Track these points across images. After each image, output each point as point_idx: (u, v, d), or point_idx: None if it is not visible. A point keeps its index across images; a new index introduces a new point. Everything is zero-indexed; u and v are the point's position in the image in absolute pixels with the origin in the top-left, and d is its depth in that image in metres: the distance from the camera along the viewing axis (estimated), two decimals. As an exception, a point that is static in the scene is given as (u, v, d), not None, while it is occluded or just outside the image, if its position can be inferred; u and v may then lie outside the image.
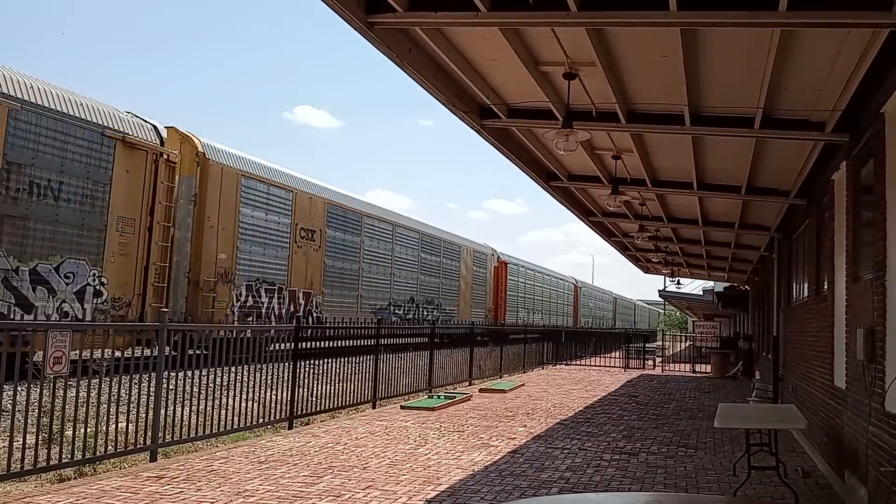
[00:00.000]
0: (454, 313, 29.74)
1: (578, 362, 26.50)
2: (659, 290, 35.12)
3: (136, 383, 7.07)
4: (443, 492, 6.09)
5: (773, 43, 5.04)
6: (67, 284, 11.95)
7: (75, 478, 6.21)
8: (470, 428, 9.72)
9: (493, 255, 34.90)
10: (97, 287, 12.54)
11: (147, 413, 7.08)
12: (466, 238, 32.45)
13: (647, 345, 29.50)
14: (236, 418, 8.21)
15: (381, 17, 5.37)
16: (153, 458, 7.02)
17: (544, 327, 29.84)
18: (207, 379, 7.85)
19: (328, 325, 14.47)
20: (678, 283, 32.55)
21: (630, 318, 75.12)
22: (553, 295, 44.76)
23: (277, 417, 9.01)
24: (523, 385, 16.71)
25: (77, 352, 6.52)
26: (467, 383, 16.18)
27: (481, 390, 14.97)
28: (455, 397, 12.95)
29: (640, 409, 12.84)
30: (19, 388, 5.95)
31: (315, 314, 19.39)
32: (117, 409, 6.73)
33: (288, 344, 9.58)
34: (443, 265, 28.99)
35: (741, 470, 7.04)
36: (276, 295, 17.80)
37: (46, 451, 5.94)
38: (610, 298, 66.04)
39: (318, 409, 9.99)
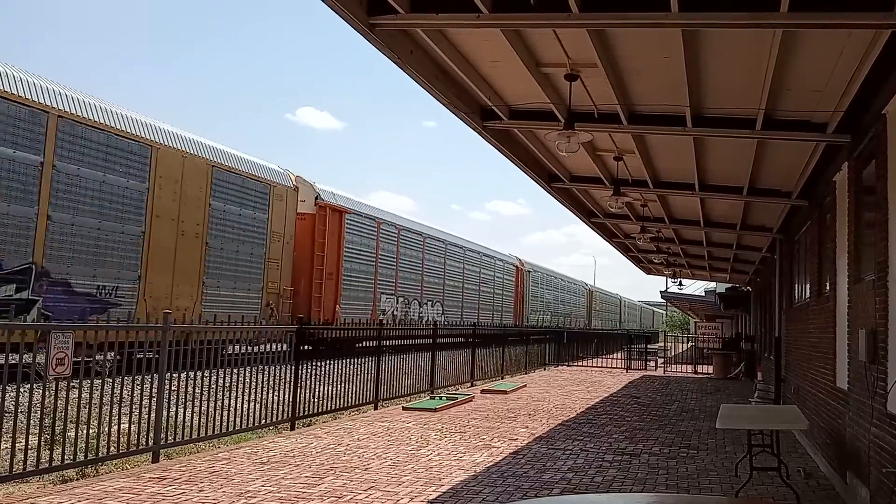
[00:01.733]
0: (117, 298, 13.53)
1: (580, 363, 26.48)
2: (661, 291, 35.07)
3: (138, 384, 7.07)
4: (444, 493, 6.09)
5: (775, 44, 5.04)
6: None
7: (77, 479, 6.22)
8: (472, 429, 9.72)
9: (296, 189, 18.87)
10: None
11: (149, 414, 7.09)
12: (191, 138, 15.75)
13: (648, 346, 29.48)
14: (238, 419, 8.22)
15: (383, 19, 5.38)
16: (155, 459, 7.02)
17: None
18: (209, 380, 7.86)
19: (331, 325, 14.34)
20: (680, 284, 32.49)
21: (614, 317, 62.30)
22: (471, 277, 30.59)
23: (279, 418, 9.01)
24: (525, 386, 16.70)
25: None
26: (469, 384, 16.17)
27: (483, 391, 14.97)
28: (457, 398, 12.94)
29: (641, 410, 12.83)
30: (22, 390, 5.96)
31: None
32: (119, 410, 6.74)
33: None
34: (63, 181, 12.47)
35: (743, 471, 7.04)
36: None
37: (49, 452, 5.95)
38: (582, 290, 52.28)
39: (320, 410, 9.99)
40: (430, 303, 26.40)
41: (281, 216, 18.17)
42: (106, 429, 6.55)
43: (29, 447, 5.89)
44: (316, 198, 19.82)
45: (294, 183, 18.99)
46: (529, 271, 39.16)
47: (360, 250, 21.67)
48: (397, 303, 23.61)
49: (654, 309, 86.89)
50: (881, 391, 5.11)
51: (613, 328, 53.34)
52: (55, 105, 12.43)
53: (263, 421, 8.71)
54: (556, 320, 42.41)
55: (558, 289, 45.66)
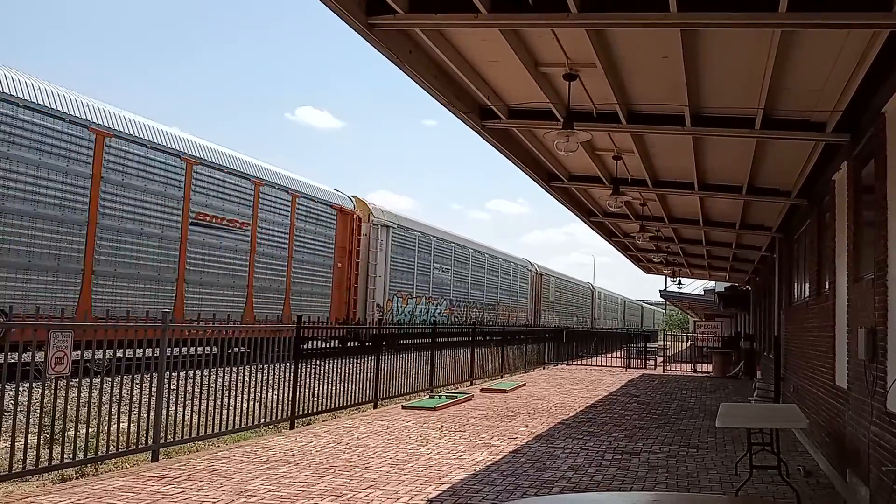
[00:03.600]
0: None
1: (580, 362, 26.50)
2: (660, 290, 35.06)
3: (137, 383, 7.08)
4: (444, 491, 6.09)
5: (774, 44, 5.04)
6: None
7: (77, 478, 6.22)
8: (471, 428, 9.73)
9: None
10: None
11: (148, 413, 7.09)
12: None
13: (648, 345, 29.51)
14: (238, 418, 8.22)
15: (382, 19, 5.37)
16: (155, 458, 7.03)
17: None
18: (209, 379, 7.86)
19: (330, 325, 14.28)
20: (679, 283, 32.54)
21: (584, 313, 49.50)
22: (205, 226, 16.04)
23: (279, 417, 9.02)
24: (524, 385, 16.71)
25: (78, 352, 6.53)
26: (469, 383, 16.18)
27: (483, 390, 14.97)
28: (456, 397, 12.95)
29: (641, 408, 12.84)
30: (21, 389, 5.97)
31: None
32: (119, 409, 6.75)
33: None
34: None
35: (743, 469, 7.05)
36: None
37: (48, 451, 5.95)
38: (523, 272, 37.62)
39: (319, 408, 10.00)
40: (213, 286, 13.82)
41: None
42: (105, 428, 6.56)
43: (28, 446, 5.90)
44: None
45: None
46: (388, 226, 22.30)
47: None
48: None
49: (645, 305, 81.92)
50: (881, 390, 5.12)
51: (581, 326, 42.60)
52: None
53: (263, 420, 8.72)
54: (466, 316, 28.25)
55: (471, 264, 29.34)
